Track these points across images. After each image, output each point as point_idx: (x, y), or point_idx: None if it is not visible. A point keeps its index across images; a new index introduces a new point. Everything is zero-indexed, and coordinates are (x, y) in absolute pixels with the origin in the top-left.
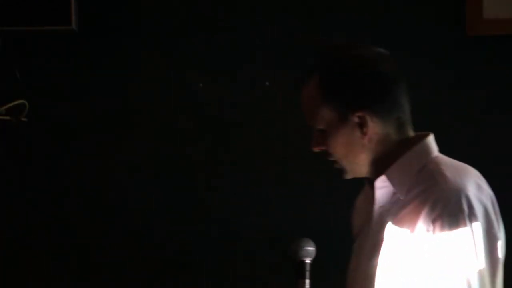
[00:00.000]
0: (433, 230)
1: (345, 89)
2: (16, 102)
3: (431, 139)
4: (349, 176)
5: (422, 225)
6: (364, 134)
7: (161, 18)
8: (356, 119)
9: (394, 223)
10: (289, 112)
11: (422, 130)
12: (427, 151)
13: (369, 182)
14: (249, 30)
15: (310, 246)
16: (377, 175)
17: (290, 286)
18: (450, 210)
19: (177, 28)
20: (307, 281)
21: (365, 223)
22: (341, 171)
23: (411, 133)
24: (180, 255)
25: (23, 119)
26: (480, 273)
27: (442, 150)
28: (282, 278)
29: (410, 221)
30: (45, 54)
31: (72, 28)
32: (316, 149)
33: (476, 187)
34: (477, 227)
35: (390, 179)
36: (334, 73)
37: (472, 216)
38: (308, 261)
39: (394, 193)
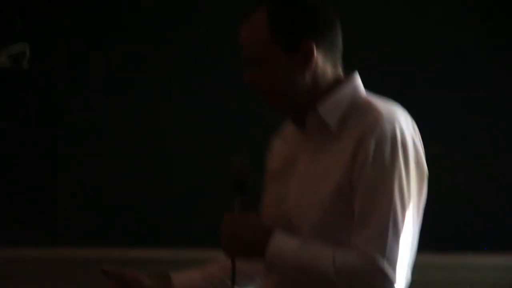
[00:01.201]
0: (367, 158)
1: (294, 18)
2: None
3: (358, 77)
4: (281, 109)
5: (356, 154)
6: (308, 63)
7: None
8: (304, 48)
9: (328, 155)
10: None
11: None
12: (358, 87)
13: (299, 119)
14: None
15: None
16: (310, 110)
17: None
18: (384, 138)
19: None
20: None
21: (290, 161)
22: (273, 106)
23: (341, 74)
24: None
25: (25, 67)
26: (409, 198)
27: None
28: None
29: (344, 151)
30: None
31: None
32: (250, 81)
33: (404, 120)
34: (410, 154)
35: (322, 112)
36: (282, 4)
37: (404, 144)
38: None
39: (327, 127)
